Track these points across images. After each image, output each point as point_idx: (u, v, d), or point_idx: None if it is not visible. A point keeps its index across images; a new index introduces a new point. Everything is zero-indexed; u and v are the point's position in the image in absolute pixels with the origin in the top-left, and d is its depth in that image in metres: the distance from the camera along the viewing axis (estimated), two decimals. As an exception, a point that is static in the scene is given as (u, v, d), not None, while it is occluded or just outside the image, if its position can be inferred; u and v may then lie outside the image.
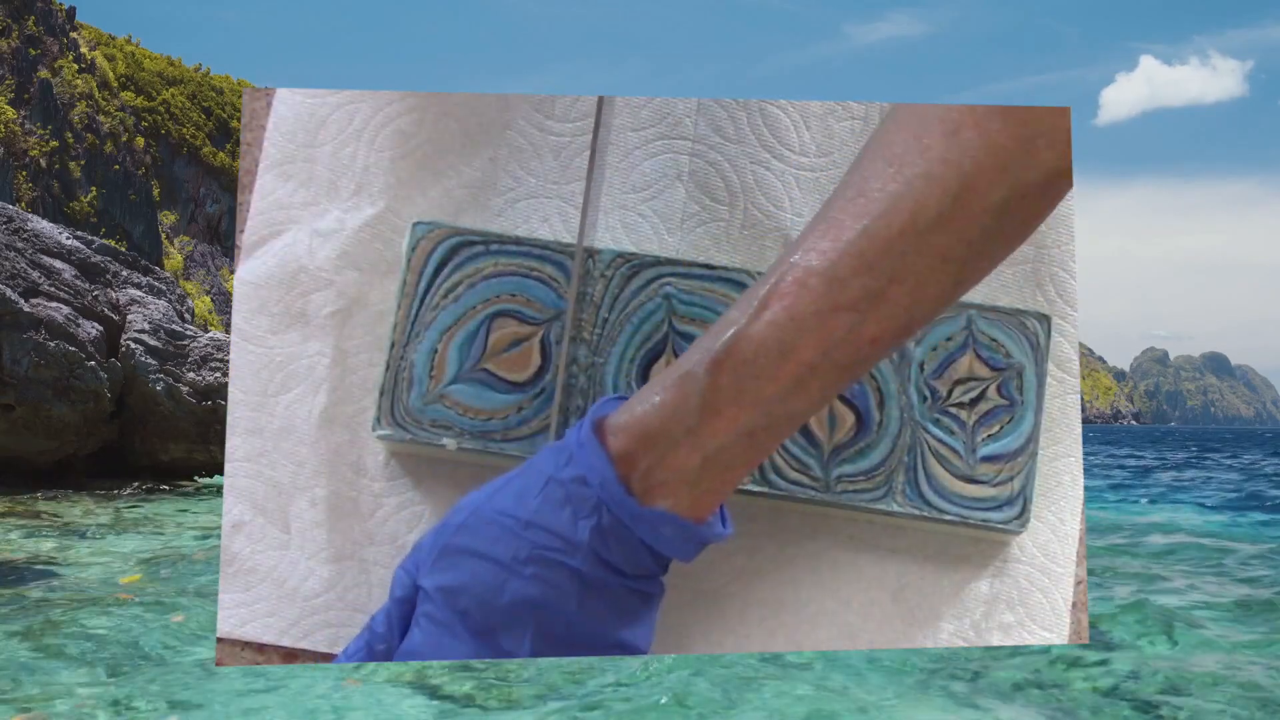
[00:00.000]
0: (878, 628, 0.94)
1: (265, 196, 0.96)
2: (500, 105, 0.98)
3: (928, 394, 0.93)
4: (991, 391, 0.93)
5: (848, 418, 0.93)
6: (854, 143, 1.00)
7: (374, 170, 0.97)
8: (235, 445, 0.94)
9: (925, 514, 0.92)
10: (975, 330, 0.94)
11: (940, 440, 0.93)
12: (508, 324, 0.92)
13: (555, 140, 0.99)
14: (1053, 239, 0.99)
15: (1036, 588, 0.95)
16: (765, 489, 0.92)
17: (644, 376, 0.92)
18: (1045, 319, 0.95)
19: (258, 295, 0.96)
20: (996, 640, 0.94)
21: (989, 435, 0.93)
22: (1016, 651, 2.51)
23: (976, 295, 0.97)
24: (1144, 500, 8.83)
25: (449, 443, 0.91)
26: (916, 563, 0.94)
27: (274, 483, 0.94)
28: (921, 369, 0.93)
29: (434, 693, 2.24)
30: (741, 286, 0.93)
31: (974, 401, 0.93)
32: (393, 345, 0.92)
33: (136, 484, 7.35)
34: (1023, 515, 0.92)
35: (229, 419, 0.94)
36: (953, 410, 0.93)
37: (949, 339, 0.94)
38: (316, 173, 0.97)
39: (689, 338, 0.92)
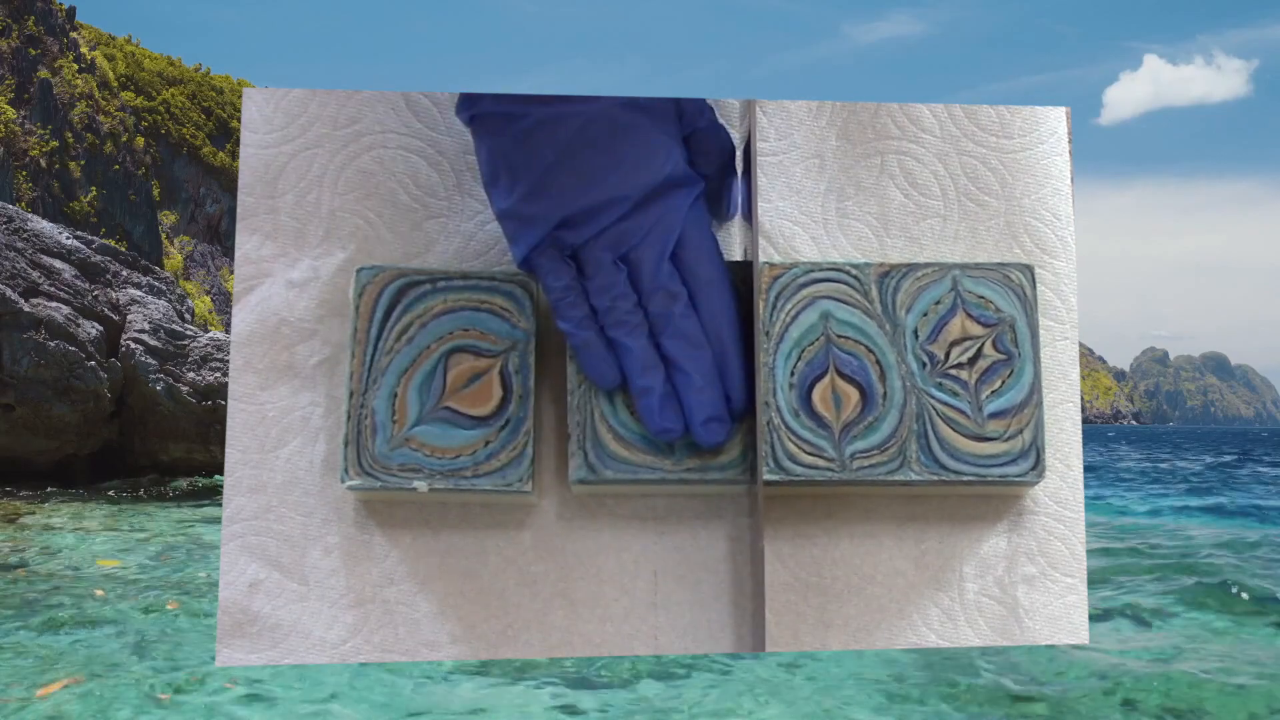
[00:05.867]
0: (904, 595, 0.94)
1: (238, 251, 0.97)
2: (459, 129, 0.98)
3: (926, 360, 0.93)
4: (987, 348, 0.94)
5: (852, 394, 0.93)
6: (810, 122, 0.99)
7: (341, 213, 0.97)
8: (240, 505, 0.94)
9: (943, 478, 0.92)
10: (961, 290, 0.95)
11: (946, 403, 0.93)
12: (464, 359, 0.93)
13: None
14: (1021, 189, 1.00)
15: (1055, 536, 0.96)
16: (782, 476, 0.91)
17: None
18: (1028, 269, 0.95)
19: (242, 353, 0.96)
20: (1022, 594, 0.95)
21: (992, 392, 0.93)
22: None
23: (957, 254, 0.98)
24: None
25: (420, 485, 0.91)
26: (934, 527, 0.95)
27: (285, 537, 0.93)
28: (916, 335, 0.94)
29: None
30: None
31: (972, 360, 0.94)
32: (351, 394, 0.92)
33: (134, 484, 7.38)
34: (1038, 466, 0.93)
35: (228, 481, 0.94)
36: (953, 372, 0.93)
37: (938, 302, 0.94)
38: (281, 223, 0.97)
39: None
